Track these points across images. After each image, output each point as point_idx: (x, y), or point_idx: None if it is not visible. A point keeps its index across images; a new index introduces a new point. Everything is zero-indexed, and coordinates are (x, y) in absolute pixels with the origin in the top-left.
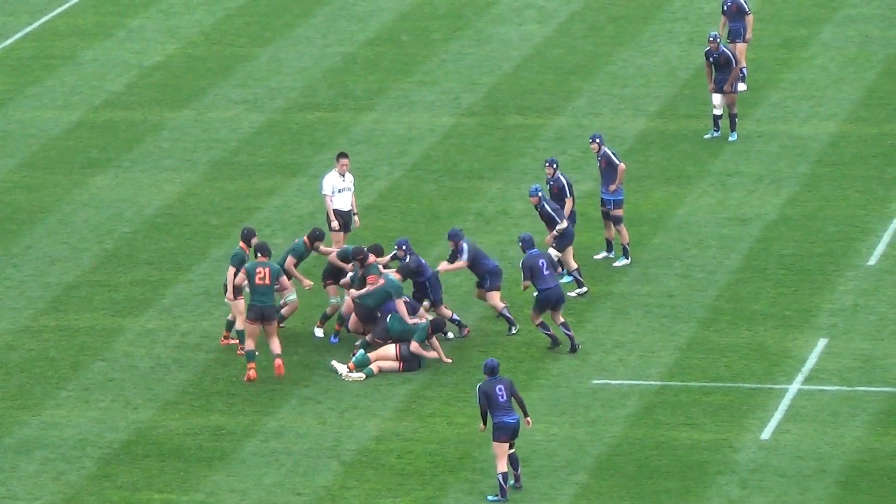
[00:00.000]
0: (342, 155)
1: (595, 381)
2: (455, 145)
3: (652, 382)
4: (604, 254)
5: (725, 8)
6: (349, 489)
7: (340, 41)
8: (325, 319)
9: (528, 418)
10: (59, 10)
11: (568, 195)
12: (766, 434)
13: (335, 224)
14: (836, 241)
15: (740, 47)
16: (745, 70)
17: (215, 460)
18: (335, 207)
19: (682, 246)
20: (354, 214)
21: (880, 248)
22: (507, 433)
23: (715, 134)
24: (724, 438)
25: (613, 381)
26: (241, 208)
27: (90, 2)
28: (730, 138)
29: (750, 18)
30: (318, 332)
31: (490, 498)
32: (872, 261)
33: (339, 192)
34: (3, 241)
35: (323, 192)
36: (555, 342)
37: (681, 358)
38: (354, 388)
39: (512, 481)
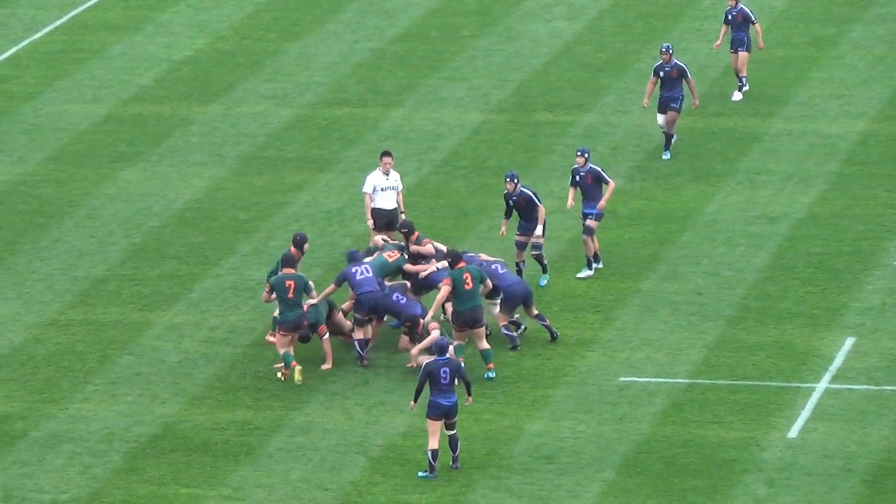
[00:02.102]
0: (385, 154)
1: (622, 379)
2: (484, 142)
3: (679, 380)
4: (587, 272)
5: (730, 17)
6: (376, 485)
7: (369, 37)
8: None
9: (470, 398)
10: (89, 3)
11: (538, 203)
12: (793, 433)
13: (370, 223)
14: (864, 240)
15: (743, 57)
16: (744, 79)
17: (242, 455)
18: (378, 206)
19: (710, 244)
20: (401, 213)
21: None
22: (440, 413)
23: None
24: (751, 437)
25: (641, 379)
26: (269, 203)
27: None
28: (663, 156)
29: (757, 28)
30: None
31: (420, 474)
32: None
33: (382, 190)
34: (31, 235)
35: (363, 190)
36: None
37: (708, 356)
38: (382, 384)
39: (450, 462)
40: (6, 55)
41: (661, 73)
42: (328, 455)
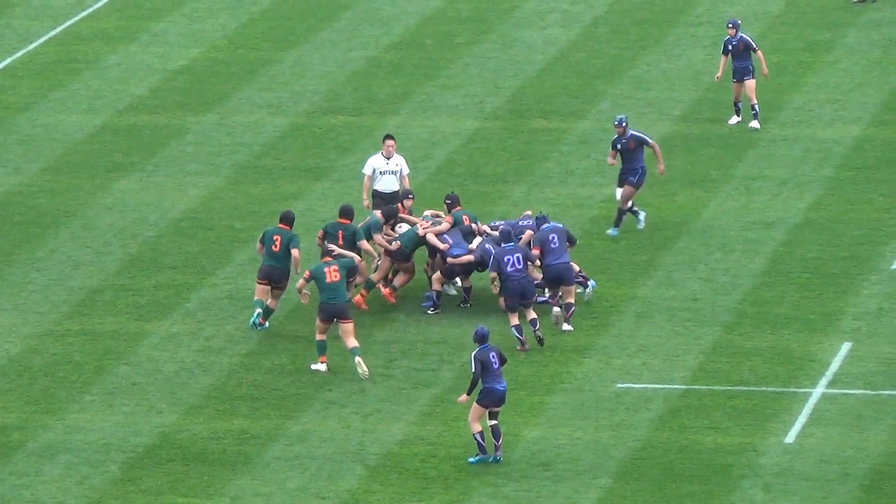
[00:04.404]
0: (388, 137)
1: (619, 385)
2: (479, 149)
3: (676, 386)
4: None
5: (731, 47)
6: (373, 493)
7: (364, 45)
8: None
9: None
10: (83, 14)
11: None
12: (790, 438)
13: (366, 203)
14: (860, 245)
15: (750, 84)
16: (756, 107)
17: (239, 464)
18: (377, 189)
19: (706, 249)
20: (410, 195)
21: None
22: (495, 399)
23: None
24: (748, 442)
25: (637, 385)
26: (265, 212)
27: (114, 6)
28: (608, 231)
29: (760, 55)
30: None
31: (471, 460)
32: None
33: (382, 174)
34: (27, 245)
35: (362, 171)
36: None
37: (705, 362)
38: (378, 393)
39: (493, 453)
40: (1, 66)
41: (619, 146)
42: (325, 464)
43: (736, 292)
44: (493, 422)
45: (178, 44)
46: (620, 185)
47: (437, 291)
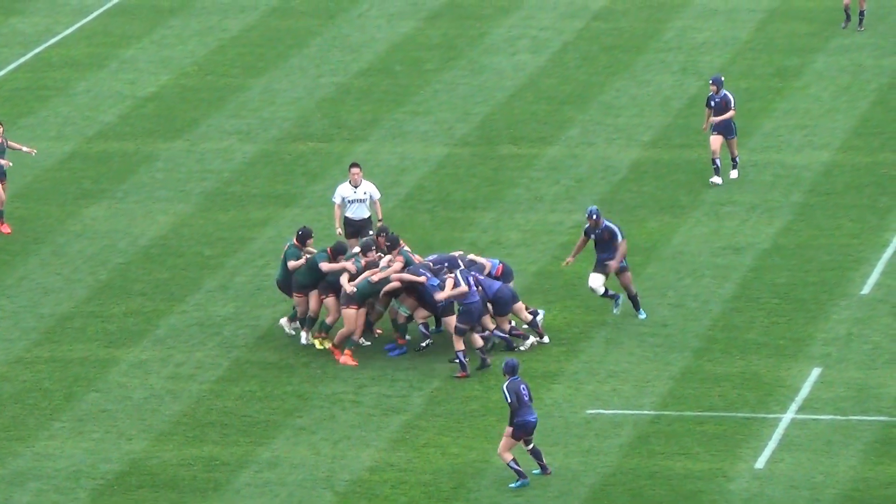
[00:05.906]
0: (353, 165)
1: (589, 411)
2: (448, 175)
3: (646, 412)
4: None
5: (713, 103)
6: None
7: (334, 71)
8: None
9: None
10: (52, 41)
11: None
12: (759, 463)
13: (339, 231)
14: (829, 271)
15: (732, 141)
16: (737, 159)
17: (209, 491)
18: (348, 216)
19: (675, 275)
20: (379, 221)
21: (874, 277)
22: (528, 431)
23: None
24: (718, 468)
25: (607, 411)
26: (234, 239)
27: (83, 33)
28: (638, 315)
29: (731, 113)
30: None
31: (513, 485)
32: (866, 290)
33: (350, 203)
34: None
35: (332, 199)
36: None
37: (675, 387)
38: (348, 419)
39: (538, 471)
40: None
41: (593, 236)
42: (295, 490)
43: (706, 318)
44: (531, 446)
45: (147, 71)
46: (601, 272)
47: (473, 348)
